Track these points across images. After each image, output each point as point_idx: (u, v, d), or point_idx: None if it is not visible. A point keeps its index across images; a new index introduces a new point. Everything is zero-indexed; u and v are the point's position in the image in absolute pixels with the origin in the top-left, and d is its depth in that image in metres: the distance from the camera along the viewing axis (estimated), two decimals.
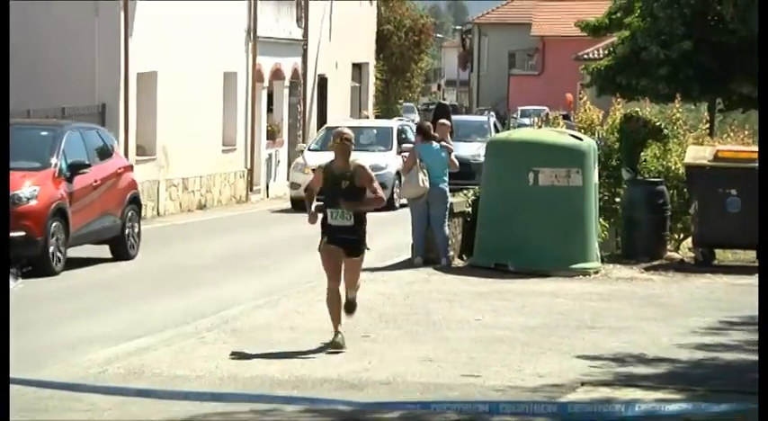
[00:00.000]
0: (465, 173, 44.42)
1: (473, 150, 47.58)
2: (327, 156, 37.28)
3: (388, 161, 43.89)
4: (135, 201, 42.90)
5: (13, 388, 15.67)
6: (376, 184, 24.90)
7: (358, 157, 25.99)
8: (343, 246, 23.90)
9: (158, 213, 52.26)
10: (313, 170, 42.17)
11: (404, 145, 46.33)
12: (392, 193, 41.56)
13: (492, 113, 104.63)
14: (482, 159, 43.19)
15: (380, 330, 25.92)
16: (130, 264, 41.09)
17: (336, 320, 24.23)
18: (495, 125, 55.09)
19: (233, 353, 22.84)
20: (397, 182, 41.78)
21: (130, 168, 43.61)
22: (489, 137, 47.94)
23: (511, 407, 14.04)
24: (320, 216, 24.57)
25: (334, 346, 23.53)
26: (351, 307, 24.75)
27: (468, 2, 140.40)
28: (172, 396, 16.34)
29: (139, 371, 21.31)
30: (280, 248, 42.77)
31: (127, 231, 41.63)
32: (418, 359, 22.39)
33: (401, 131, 49.01)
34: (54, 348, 23.35)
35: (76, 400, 17.82)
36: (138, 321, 27.50)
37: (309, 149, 48.23)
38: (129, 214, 41.68)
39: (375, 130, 48.42)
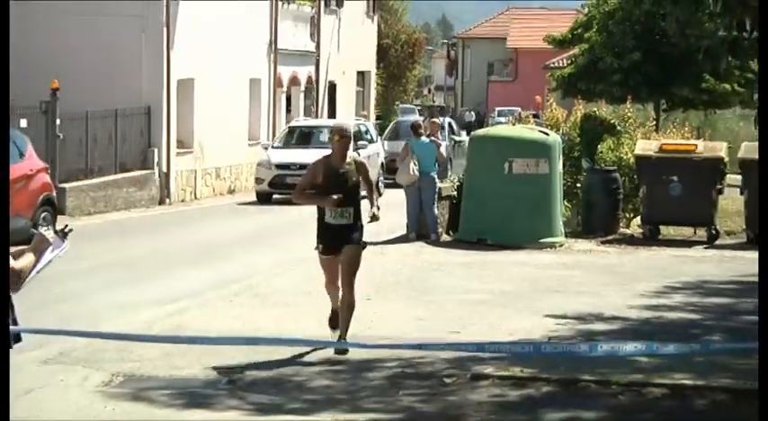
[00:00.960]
0: None
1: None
2: (290, 154, 40.58)
3: None
4: (49, 203, 38.51)
5: (77, 340, 15.62)
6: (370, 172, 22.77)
7: (353, 153, 22.66)
8: (341, 243, 19.69)
9: (195, 197, 51.94)
10: (278, 167, 43.97)
11: (359, 142, 43.72)
12: None
13: (472, 112, 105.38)
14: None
15: (380, 294, 25.72)
16: (161, 240, 39.43)
17: (335, 301, 20.22)
18: (450, 124, 51.72)
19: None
20: None
21: (45, 170, 39.05)
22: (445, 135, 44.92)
23: (494, 347, 14.15)
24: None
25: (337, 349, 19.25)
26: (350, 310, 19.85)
27: (454, 19, 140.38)
28: (214, 341, 16.97)
29: (179, 328, 21.47)
30: (295, 226, 40.96)
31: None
32: (413, 318, 22.70)
33: (357, 130, 44.43)
34: (99, 312, 23.39)
35: (128, 352, 18.51)
36: (175, 287, 27.23)
37: (273, 147, 44.26)
38: (43, 216, 37.24)
39: (331, 129, 41.57)
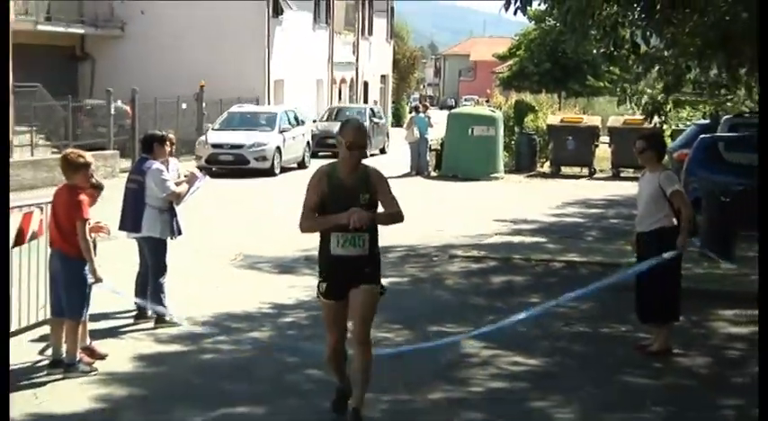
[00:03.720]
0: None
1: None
2: (224, 135, 32.61)
3: (269, 139, 32.87)
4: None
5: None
6: (392, 191, 9.65)
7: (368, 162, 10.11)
8: (353, 281, 9.00)
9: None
10: (213, 146, 33.55)
11: (284, 125, 35.26)
12: (272, 163, 33.30)
13: (451, 99, 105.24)
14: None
15: None
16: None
17: (341, 376, 9.18)
18: (371, 110, 43.54)
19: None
20: (276, 154, 33.47)
21: None
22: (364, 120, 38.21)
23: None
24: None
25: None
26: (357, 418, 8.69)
27: (438, 44, 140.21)
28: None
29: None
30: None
31: None
32: (410, 223, 21.90)
33: (287, 116, 35.89)
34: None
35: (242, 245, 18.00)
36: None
37: (213, 129, 34.58)
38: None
39: (265, 115, 35.81)
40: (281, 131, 34.46)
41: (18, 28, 31.50)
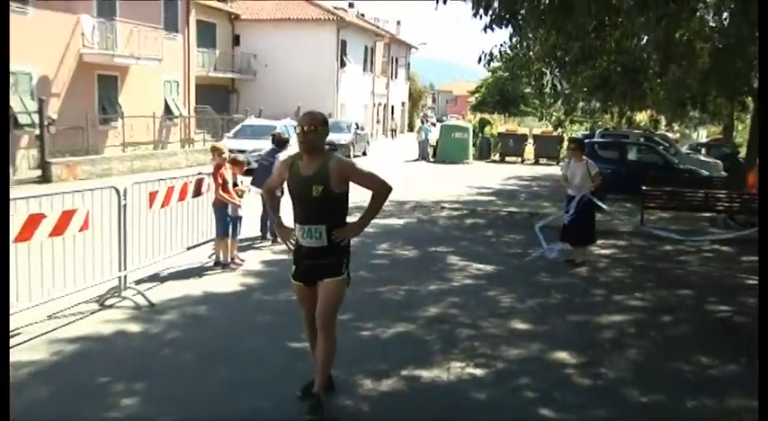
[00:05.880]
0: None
1: (347, 139, 32.36)
2: (236, 142, 23.82)
3: (264, 146, 17.46)
4: None
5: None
6: (366, 170, 5.38)
7: (331, 153, 5.36)
8: (316, 274, 5.30)
9: None
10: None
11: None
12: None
13: (444, 117, 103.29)
14: (344, 142, 31.29)
15: (405, 172, 23.86)
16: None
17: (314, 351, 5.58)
18: (356, 124, 35.18)
19: None
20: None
21: None
22: (349, 131, 33.40)
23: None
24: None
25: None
26: (317, 404, 5.26)
27: (435, 83, 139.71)
28: None
29: None
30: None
31: None
32: (417, 187, 21.64)
33: (287, 128, 24.57)
34: None
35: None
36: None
37: (228, 137, 27.00)
38: None
39: (268, 127, 24.63)
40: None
41: (198, 74, 35.17)
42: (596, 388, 6.13)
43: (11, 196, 6.51)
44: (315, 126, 5.17)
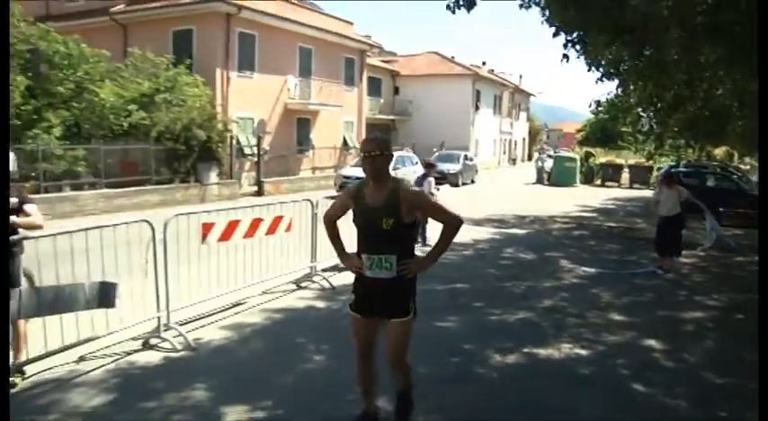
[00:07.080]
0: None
1: (456, 168, 29.11)
2: (352, 170, 20.58)
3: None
4: None
5: None
6: (441, 203, 3.95)
7: (398, 179, 3.85)
8: (382, 308, 3.83)
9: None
10: (344, 177, 20.96)
11: (397, 164, 22.28)
12: None
13: (538, 150, 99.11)
14: (453, 171, 28.45)
15: (515, 201, 23.58)
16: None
17: (370, 397, 4.15)
18: (465, 155, 31.06)
19: None
20: None
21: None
22: (458, 163, 29.60)
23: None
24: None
25: None
26: (405, 403, 4.07)
27: (548, 123, 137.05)
28: None
29: None
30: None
31: None
32: (536, 204, 21.06)
33: (402, 159, 23.15)
34: None
35: None
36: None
37: (350, 166, 23.76)
38: None
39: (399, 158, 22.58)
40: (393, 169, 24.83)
41: (367, 116, 34.95)
42: (678, 370, 5.93)
43: (239, 205, 7.14)
44: (381, 151, 3.81)
